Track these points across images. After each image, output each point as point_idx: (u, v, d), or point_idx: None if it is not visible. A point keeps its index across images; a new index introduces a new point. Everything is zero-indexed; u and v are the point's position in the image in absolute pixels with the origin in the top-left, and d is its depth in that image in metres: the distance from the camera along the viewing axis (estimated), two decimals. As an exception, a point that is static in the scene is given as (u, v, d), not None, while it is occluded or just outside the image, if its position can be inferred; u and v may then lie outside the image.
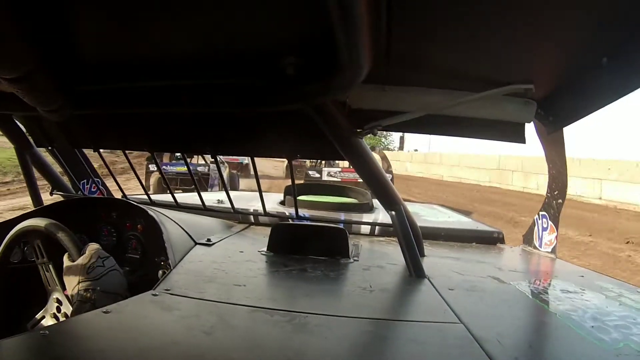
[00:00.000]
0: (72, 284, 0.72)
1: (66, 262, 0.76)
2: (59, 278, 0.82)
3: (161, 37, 0.67)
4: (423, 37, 0.66)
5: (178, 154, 6.44)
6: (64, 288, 0.80)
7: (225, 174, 7.98)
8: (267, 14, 0.58)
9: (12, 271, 0.88)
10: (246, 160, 11.01)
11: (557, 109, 0.84)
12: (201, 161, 7.48)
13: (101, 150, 1.16)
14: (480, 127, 0.90)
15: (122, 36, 0.67)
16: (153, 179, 6.99)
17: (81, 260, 0.72)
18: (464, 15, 0.59)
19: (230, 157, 10.83)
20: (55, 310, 0.84)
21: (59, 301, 0.83)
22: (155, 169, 6.75)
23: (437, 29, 0.63)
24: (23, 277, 0.87)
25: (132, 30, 0.64)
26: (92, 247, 0.76)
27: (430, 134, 0.97)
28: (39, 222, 0.80)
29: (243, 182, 8.72)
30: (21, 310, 0.88)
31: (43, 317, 0.86)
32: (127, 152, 1.13)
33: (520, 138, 0.91)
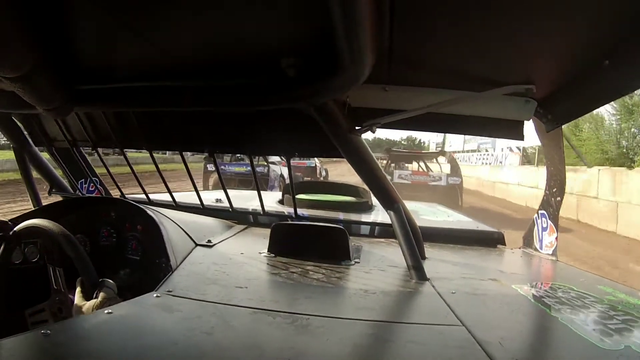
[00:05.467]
0: None
1: (78, 295, 0.75)
2: (67, 282, 0.82)
3: (162, 38, 0.66)
4: (426, 38, 0.66)
5: (238, 155, 6.40)
6: (68, 290, 0.80)
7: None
8: (269, 16, 0.58)
9: (12, 272, 0.87)
10: (314, 162, 10.52)
11: (557, 107, 0.84)
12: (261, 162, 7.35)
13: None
14: (480, 124, 0.90)
15: (123, 37, 0.66)
16: (212, 180, 6.95)
17: (93, 305, 0.71)
18: (467, 17, 0.59)
19: (297, 160, 10.35)
20: (56, 310, 0.84)
21: (61, 302, 0.83)
22: (214, 169, 6.71)
23: (441, 30, 0.63)
24: (22, 276, 0.86)
25: (133, 31, 0.64)
26: (106, 293, 0.73)
27: (429, 131, 0.97)
28: (57, 229, 0.78)
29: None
30: (20, 307, 0.88)
31: (43, 310, 0.85)
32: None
33: (518, 135, 0.91)
